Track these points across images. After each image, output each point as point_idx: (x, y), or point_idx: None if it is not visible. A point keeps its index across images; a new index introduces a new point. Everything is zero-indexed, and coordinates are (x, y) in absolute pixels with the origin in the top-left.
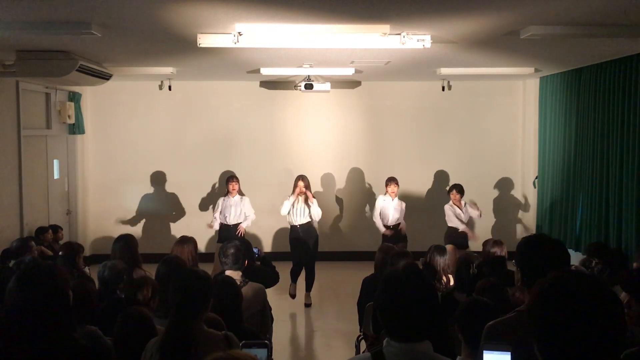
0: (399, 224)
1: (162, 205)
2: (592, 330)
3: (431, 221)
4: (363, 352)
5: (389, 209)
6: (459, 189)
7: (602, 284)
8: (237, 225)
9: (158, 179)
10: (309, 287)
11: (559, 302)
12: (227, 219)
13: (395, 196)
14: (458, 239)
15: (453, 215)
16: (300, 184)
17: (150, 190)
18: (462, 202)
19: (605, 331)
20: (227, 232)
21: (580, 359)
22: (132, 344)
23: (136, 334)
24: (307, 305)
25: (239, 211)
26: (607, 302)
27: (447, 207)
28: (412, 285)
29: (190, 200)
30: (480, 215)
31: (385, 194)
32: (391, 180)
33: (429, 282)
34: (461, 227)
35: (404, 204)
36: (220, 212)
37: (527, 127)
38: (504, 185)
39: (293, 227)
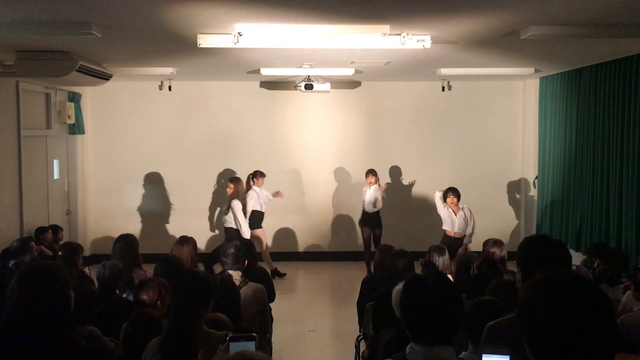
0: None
1: (162, 205)
2: (582, 331)
3: (430, 221)
4: (363, 352)
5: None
6: (456, 193)
7: (591, 283)
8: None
9: (158, 178)
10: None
11: (548, 303)
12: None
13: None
14: (455, 244)
15: (442, 207)
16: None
17: (150, 190)
18: (460, 206)
19: (595, 332)
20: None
21: None
22: (142, 347)
23: (145, 337)
24: None
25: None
26: (596, 302)
27: (437, 197)
28: (440, 289)
29: (190, 200)
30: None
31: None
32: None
33: (456, 287)
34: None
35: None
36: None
37: (527, 127)
38: (504, 185)
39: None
